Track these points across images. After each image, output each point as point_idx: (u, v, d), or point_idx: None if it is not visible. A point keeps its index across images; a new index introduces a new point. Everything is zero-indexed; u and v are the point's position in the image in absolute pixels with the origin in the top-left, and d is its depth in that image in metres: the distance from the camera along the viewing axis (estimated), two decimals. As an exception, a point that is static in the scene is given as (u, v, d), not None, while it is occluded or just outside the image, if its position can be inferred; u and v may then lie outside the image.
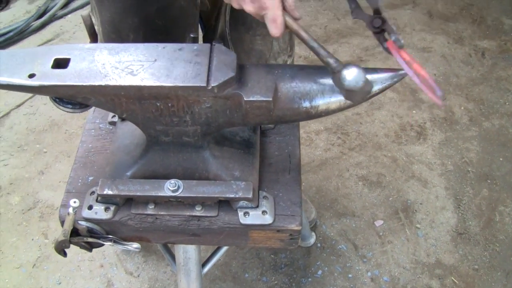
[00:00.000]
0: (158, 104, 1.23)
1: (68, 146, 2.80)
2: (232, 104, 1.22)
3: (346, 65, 1.15)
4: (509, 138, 2.81)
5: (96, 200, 1.37)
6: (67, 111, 1.29)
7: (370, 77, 1.23)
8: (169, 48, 1.25)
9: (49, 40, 3.48)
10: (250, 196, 1.31)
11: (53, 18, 3.64)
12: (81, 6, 3.74)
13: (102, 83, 1.18)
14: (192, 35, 1.43)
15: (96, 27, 1.68)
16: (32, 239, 2.41)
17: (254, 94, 1.19)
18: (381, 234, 2.43)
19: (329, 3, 3.60)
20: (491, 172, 2.67)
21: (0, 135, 2.87)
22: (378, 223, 2.46)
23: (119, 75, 1.19)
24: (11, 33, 3.43)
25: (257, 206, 1.36)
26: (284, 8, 1.14)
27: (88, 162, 1.50)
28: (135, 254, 2.35)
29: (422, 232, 2.43)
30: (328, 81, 1.23)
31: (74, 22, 3.61)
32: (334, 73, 1.17)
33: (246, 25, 1.71)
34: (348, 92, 1.18)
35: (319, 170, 2.64)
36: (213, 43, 1.26)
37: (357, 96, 1.19)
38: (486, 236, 2.43)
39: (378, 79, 1.24)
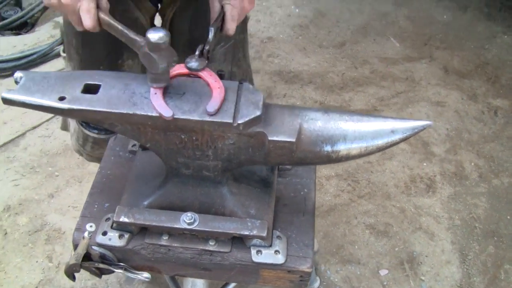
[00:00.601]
0: (183, 137, 1.25)
1: (80, 172, 2.82)
2: (255, 142, 1.24)
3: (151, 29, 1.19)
4: (518, 197, 2.81)
5: (111, 227, 1.38)
6: (93, 136, 1.32)
7: (391, 124, 1.26)
8: (198, 82, 1.28)
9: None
10: (264, 234, 1.32)
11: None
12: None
13: (130, 111, 1.20)
14: (219, 72, 1.46)
15: None
16: (37, 261, 2.41)
17: (278, 134, 1.22)
18: (385, 283, 2.41)
19: (348, 51, 3.67)
20: (498, 229, 2.66)
21: (14, 155, 2.90)
22: (383, 272, 2.45)
23: (147, 105, 1.21)
24: (35, 56, 3.50)
25: (270, 245, 1.36)
26: (99, 7, 1.26)
27: (106, 189, 1.52)
28: (138, 285, 2.34)
29: (426, 285, 2.42)
30: (351, 126, 1.25)
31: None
32: (140, 47, 1.20)
33: (179, 49, 1.76)
34: (154, 54, 1.17)
35: (327, 215, 2.64)
36: (241, 82, 1.29)
37: (162, 60, 1.18)
38: (491, 294, 2.42)
39: (400, 129, 1.26)
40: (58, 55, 3.61)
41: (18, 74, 1.29)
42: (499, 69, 3.55)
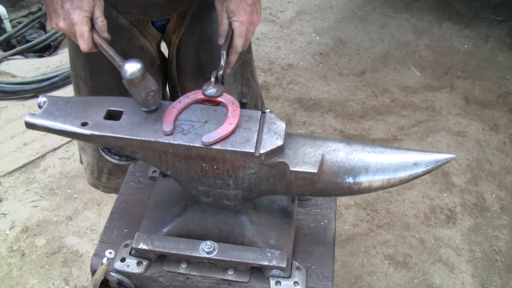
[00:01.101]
0: (204, 165, 1.25)
1: (99, 195, 2.83)
2: (277, 173, 1.24)
3: (129, 60, 1.20)
4: (541, 231, 2.76)
5: (130, 253, 1.37)
6: (114, 162, 1.32)
7: (414, 157, 1.25)
8: (220, 111, 1.28)
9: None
10: (284, 265, 1.30)
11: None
12: (125, 59, 3.87)
13: (152, 138, 1.21)
14: (242, 101, 1.47)
15: None
16: (53, 284, 2.41)
17: (300, 165, 1.21)
18: (404, 317, 2.37)
19: (368, 80, 3.66)
20: (520, 264, 2.61)
21: (33, 176, 2.93)
22: (402, 305, 2.41)
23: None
24: (57, 78, 3.55)
25: (289, 276, 1.34)
26: (95, 29, 1.30)
27: (125, 214, 1.52)
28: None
29: (447, 320, 2.37)
30: (373, 158, 1.24)
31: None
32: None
33: (187, 75, 1.80)
34: (132, 88, 1.22)
35: (345, 245, 2.61)
36: (264, 111, 1.29)
37: (140, 92, 1.22)
38: (512, 331, 2.36)
39: (423, 162, 1.25)
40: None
41: (41, 99, 1.31)
42: (521, 100, 3.52)
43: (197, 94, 1.31)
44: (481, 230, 2.73)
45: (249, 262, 1.31)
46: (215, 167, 1.25)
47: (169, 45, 1.81)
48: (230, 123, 1.22)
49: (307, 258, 1.42)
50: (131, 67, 1.17)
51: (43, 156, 3.06)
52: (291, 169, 1.21)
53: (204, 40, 1.72)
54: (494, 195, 2.90)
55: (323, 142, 1.27)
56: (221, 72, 1.34)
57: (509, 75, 3.70)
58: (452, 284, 2.49)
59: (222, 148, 1.19)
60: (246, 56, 1.85)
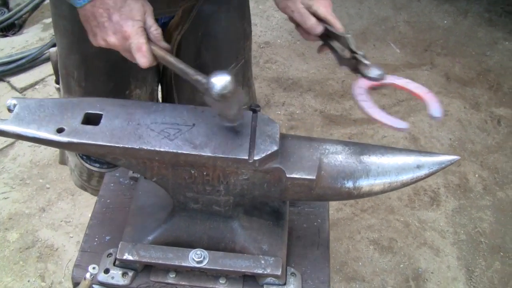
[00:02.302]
0: (193, 172, 1.16)
1: (73, 184, 2.70)
2: (271, 178, 1.15)
3: (215, 73, 1.04)
4: (523, 210, 2.75)
5: (114, 264, 1.28)
6: (94, 170, 1.22)
7: (417, 159, 1.18)
8: (208, 112, 1.19)
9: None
10: (279, 273, 1.23)
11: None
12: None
13: (136, 145, 1.11)
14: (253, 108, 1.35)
15: None
16: (28, 281, 2.31)
17: (297, 171, 1.13)
18: (390, 303, 2.34)
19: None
20: (504, 244, 2.60)
21: (2, 166, 2.79)
22: (388, 291, 2.38)
23: (154, 138, 1.12)
24: (23, 60, 3.38)
25: (284, 283, 1.28)
26: (150, 39, 1.14)
27: (106, 220, 1.42)
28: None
29: (433, 304, 2.35)
30: (374, 161, 1.17)
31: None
32: (206, 89, 1.06)
33: None
34: (221, 103, 1.05)
35: (330, 231, 2.56)
36: (252, 108, 1.20)
37: (232, 106, 1.07)
38: (498, 313, 2.35)
39: (426, 164, 1.18)
40: (48, 59, 3.49)
41: (11, 102, 1.19)
42: (501, 76, 3.48)
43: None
44: (465, 212, 2.71)
45: (242, 270, 1.24)
46: (204, 173, 1.16)
47: (168, 42, 1.68)
48: None
49: (302, 262, 1.35)
50: (221, 80, 1.01)
51: (12, 144, 2.92)
52: (287, 175, 1.13)
53: (209, 39, 1.60)
54: (477, 175, 2.88)
55: (319, 143, 1.19)
56: (361, 52, 1.24)
57: (489, 52, 3.66)
58: (438, 268, 2.47)
59: (213, 155, 1.10)
60: (248, 54, 1.76)
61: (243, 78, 1.74)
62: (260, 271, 1.23)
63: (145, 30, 1.14)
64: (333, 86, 3.35)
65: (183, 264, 1.24)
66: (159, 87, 1.80)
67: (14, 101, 1.19)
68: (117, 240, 1.33)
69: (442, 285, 2.41)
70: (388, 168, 1.17)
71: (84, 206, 2.63)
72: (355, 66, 1.27)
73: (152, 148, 1.10)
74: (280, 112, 3.16)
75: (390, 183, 1.17)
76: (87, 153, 1.18)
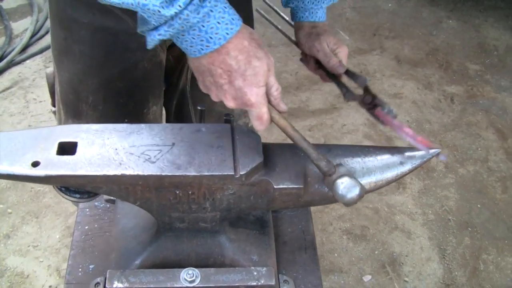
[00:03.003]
0: (177, 192, 1.13)
1: (35, 206, 2.63)
2: (258, 190, 1.14)
3: (339, 169, 1.05)
4: (485, 184, 2.84)
5: (103, 293, 1.24)
6: (73, 201, 1.18)
7: (400, 156, 1.19)
8: (186, 129, 1.16)
9: (8, 88, 3.30)
10: (273, 283, 1.22)
11: (11, 64, 3.46)
12: (40, 51, 3.58)
13: (118, 172, 1.07)
14: (199, 108, 1.34)
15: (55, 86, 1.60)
16: (2, 313, 2.23)
17: (284, 181, 1.12)
18: (370, 290, 2.38)
19: (298, 49, 3.59)
20: (471, 219, 2.68)
21: (-43, 195, 2.67)
22: (367, 278, 2.41)
23: (135, 162, 1.09)
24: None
25: (278, 292, 1.27)
26: (270, 102, 1.06)
27: (87, 247, 1.37)
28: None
29: (411, 286, 2.40)
30: (358, 162, 1.17)
31: (33, 69, 3.45)
32: (326, 176, 1.07)
33: None
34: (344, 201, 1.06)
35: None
36: (229, 119, 1.18)
37: (351, 203, 1.07)
38: (473, 286, 2.42)
39: (409, 159, 1.19)
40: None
41: (-23, 138, 1.13)
42: (449, 55, 3.57)
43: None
44: (430, 192, 2.77)
45: (236, 285, 1.22)
46: (190, 192, 1.13)
47: (182, 56, 1.60)
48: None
49: (292, 268, 1.35)
50: (352, 192, 1.02)
51: (-35, 170, 2.79)
52: (275, 186, 1.11)
53: None
54: (437, 154, 2.94)
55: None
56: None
57: (435, 31, 3.75)
58: (411, 250, 2.52)
59: (199, 174, 1.07)
60: None
61: None
62: (254, 283, 1.22)
63: (266, 94, 1.04)
64: (287, 78, 3.35)
65: (176, 285, 1.21)
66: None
67: (-20, 137, 1.13)
68: (101, 268, 1.30)
69: (418, 267, 2.47)
70: (373, 167, 1.17)
71: (50, 228, 2.55)
72: (367, 102, 1.36)
73: (135, 173, 1.07)
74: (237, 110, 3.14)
75: (375, 182, 1.18)
76: (66, 185, 1.13)
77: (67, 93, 1.55)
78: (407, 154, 1.20)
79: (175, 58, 1.65)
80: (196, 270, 1.23)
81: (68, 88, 1.54)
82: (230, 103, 1.02)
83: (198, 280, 1.22)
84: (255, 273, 1.23)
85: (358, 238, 2.55)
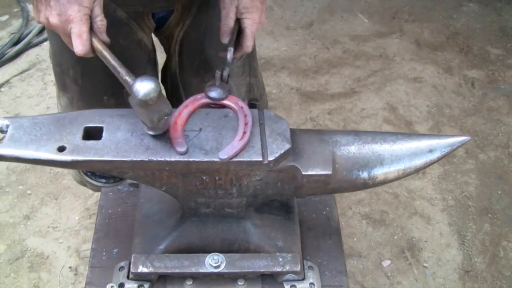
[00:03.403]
0: (204, 178, 1.12)
1: (55, 187, 2.64)
2: (285, 177, 1.13)
3: (141, 77, 1.01)
4: (505, 170, 2.80)
5: (127, 277, 1.24)
6: (99, 186, 1.17)
7: (428, 143, 1.17)
8: (213, 114, 1.15)
9: (25, 70, 3.30)
10: (298, 269, 1.22)
11: (28, 47, 3.46)
12: (58, 33, 3.56)
13: (145, 158, 1.06)
14: (252, 102, 1.31)
15: None
16: (23, 293, 2.25)
17: (312, 167, 1.11)
18: (389, 274, 2.37)
19: (317, 32, 3.55)
20: (491, 206, 2.65)
21: (-22, 176, 2.69)
22: (386, 263, 2.40)
23: (162, 148, 1.08)
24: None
25: (304, 278, 1.26)
26: (93, 30, 1.11)
27: (111, 231, 1.38)
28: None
29: (430, 271, 2.38)
30: (386, 148, 1.16)
31: (50, 51, 3.43)
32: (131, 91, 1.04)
33: (193, 70, 1.66)
34: (142, 109, 1.02)
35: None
36: (255, 103, 1.16)
37: (152, 115, 1.03)
38: (493, 273, 2.40)
39: (438, 147, 1.17)
40: (10, 59, 3.36)
41: (3, 122, 1.13)
42: (470, 39, 3.51)
43: (198, 100, 1.16)
44: (450, 178, 2.74)
45: (261, 270, 1.22)
46: (216, 178, 1.12)
47: (170, 39, 1.62)
48: (245, 133, 1.09)
49: (316, 254, 1.34)
50: (145, 86, 0.97)
51: (-15, 152, 2.81)
52: (303, 173, 1.10)
53: (212, 33, 1.54)
54: (457, 140, 2.91)
55: (330, 136, 1.17)
56: (227, 71, 1.20)
57: (455, 14, 3.69)
58: (431, 236, 2.51)
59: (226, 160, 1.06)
60: (254, 45, 1.71)
61: (249, 69, 1.69)
62: (279, 269, 1.22)
63: (90, 19, 1.11)
64: (306, 62, 3.32)
65: (201, 270, 1.21)
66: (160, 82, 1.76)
67: (6, 121, 1.13)
68: (125, 252, 1.30)
69: (437, 253, 2.45)
70: (401, 155, 1.16)
71: (69, 209, 2.56)
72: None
73: (162, 159, 1.06)
74: (257, 94, 3.12)
75: (404, 169, 1.16)
76: (92, 170, 1.13)
77: (54, 65, 1.62)
78: (436, 141, 1.17)
79: (166, 38, 1.66)
80: (221, 255, 1.22)
81: (54, 60, 1.61)
82: (54, 19, 1.09)
83: (223, 266, 1.21)
84: (280, 259, 1.23)
85: (378, 223, 2.54)
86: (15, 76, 3.25)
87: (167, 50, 1.72)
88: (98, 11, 1.12)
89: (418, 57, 3.37)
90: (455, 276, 2.38)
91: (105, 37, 1.13)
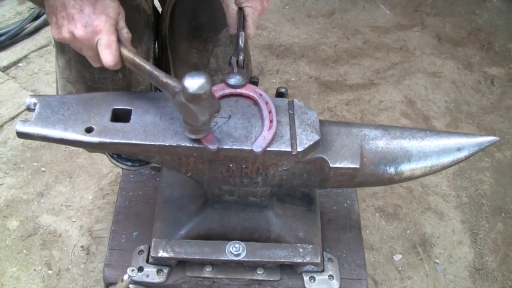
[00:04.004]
0: (231, 165, 1.12)
1: (69, 166, 2.64)
2: (312, 168, 1.12)
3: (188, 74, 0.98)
4: (521, 170, 2.78)
5: (147, 261, 1.25)
6: (125, 168, 1.17)
7: (457, 141, 1.16)
8: (242, 102, 1.14)
9: (44, 46, 3.28)
10: (319, 261, 1.22)
11: (47, 22, 3.44)
12: (76, 11, 3.54)
13: (173, 143, 1.06)
14: (253, 80, 1.30)
15: None
16: (35, 270, 2.26)
17: (340, 160, 1.10)
18: (400, 269, 2.36)
19: (338, 21, 3.52)
20: (505, 205, 2.63)
21: (-7, 151, 2.69)
22: (397, 257, 2.39)
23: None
24: (3, 37, 3.22)
25: (323, 270, 1.26)
26: (120, 40, 1.09)
27: (131, 214, 1.38)
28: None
29: (441, 268, 2.38)
30: (414, 145, 1.14)
31: (69, 28, 3.42)
32: (176, 92, 1.01)
33: (182, 35, 1.63)
34: (193, 106, 0.98)
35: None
36: (283, 92, 1.15)
37: (203, 112, 0.99)
38: (503, 273, 2.39)
39: (466, 146, 1.16)
40: (28, 34, 3.35)
41: (30, 100, 1.12)
42: (492, 35, 3.47)
43: (216, 92, 1.15)
44: (465, 175, 2.72)
45: (282, 260, 1.22)
46: (243, 166, 1.12)
47: (163, 3, 1.62)
48: (271, 121, 1.08)
49: (336, 246, 1.34)
50: (197, 81, 0.94)
51: (1, 127, 2.81)
52: (331, 165, 1.09)
53: (204, 1, 1.54)
54: (474, 137, 2.89)
55: (358, 129, 1.16)
56: (241, 57, 1.19)
57: (478, 10, 3.64)
58: (443, 232, 2.49)
59: (255, 149, 1.06)
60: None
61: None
62: (299, 260, 1.22)
63: (117, 30, 1.08)
64: (326, 51, 3.29)
65: (221, 258, 1.21)
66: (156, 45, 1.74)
67: (34, 99, 1.12)
68: (145, 236, 1.30)
69: (448, 249, 2.44)
70: (429, 152, 1.15)
71: (83, 188, 2.56)
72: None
73: (191, 145, 1.06)
74: (275, 80, 3.10)
75: (431, 166, 1.15)
76: (119, 152, 1.12)
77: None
78: (465, 140, 1.16)
79: (161, 1, 1.65)
80: (242, 243, 1.22)
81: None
82: (79, 31, 1.05)
83: (243, 254, 1.21)
84: (301, 250, 1.23)
85: (391, 217, 2.53)
86: (33, 51, 3.24)
87: (161, 12, 1.70)
88: (122, 24, 1.10)
89: (439, 52, 3.34)
90: (466, 273, 2.37)
91: (132, 48, 1.11)
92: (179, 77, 1.71)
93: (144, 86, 1.63)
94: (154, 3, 1.65)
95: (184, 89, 0.95)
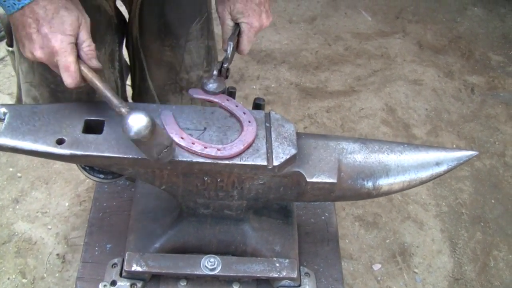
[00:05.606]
0: (206, 179, 1.09)
1: (46, 171, 2.60)
2: (289, 182, 1.10)
3: (133, 111, 0.93)
4: (500, 179, 2.79)
5: (120, 275, 1.22)
6: (97, 181, 1.14)
7: (436, 156, 1.14)
8: (218, 114, 1.12)
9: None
10: (295, 275, 1.20)
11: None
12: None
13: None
14: (230, 90, 1.28)
15: None
16: (8, 278, 2.21)
17: (318, 174, 1.08)
18: (379, 279, 2.35)
19: (319, 27, 3.51)
20: (484, 214, 2.64)
21: (-33, 156, 2.64)
22: (376, 267, 2.39)
23: (164, 145, 1.04)
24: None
25: (299, 285, 1.24)
26: (80, 57, 1.05)
27: (105, 226, 1.35)
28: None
29: (420, 277, 2.37)
30: (393, 159, 1.13)
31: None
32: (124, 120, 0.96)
33: (152, 34, 1.60)
34: (141, 148, 0.97)
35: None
36: (260, 103, 1.14)
37: (151, 149, 0.97)
38: (482, 282, 2.40)
39: (445, 160, 1.15)
40: (3, 37, 3.29)
41: (0, 109, 1.09)
42: (472, 43, 3.49)
43: (195, 94, 1.13)
44: (445, 184, 2.73)
45: (258, 275, 1.20)
46: (218, 180, 1.10)
47: (130, 3, 1.59)
48: (251, 132, 1.05)
49: (313, 260, 1.32)
50: (136, 123, 0.89)
51: (-24, 131, 2.76)
52: (308, 180, 1.07)
53: None
54: (454, 146, 2.89)
55: (336, 143, 1.14)
56: (226, 65, 1.16)
57: (459, 18, 3.66)
58: (423, 241, 2.49)
59: (231, 162, 1.03)
60: (210, 6, 1.67)
61: (207, 32, 1.64)
62: (275, 275, 1.20)
63: (76, 46, 1.04)
64: (307, 57, 3.28)
65: (196, 272, 1.19)
66: (124, 48, 1.70)
67: (3, 109, 1.09)
68: (119, 248, 1.27)
69: (428, 259, 2.44)
70: (408, 166, 1.13)
71: (59, 195, 2.52)
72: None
73: (164, 158, 1.03)
74: (256, 86, 3.08)
75: (409, 181, 1.14)
76: (91, 165, 1.09)
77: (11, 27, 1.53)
78: (443, 154, 1.15)
79: (128, 1, 1.60)
80: (218, 257, 1.20)
81: (5, 23, 1.53)
82: (38, 53, 1.02)
83: (219, 268, 1.19)
84: (277, 265, 1.21)
85: (370, 226, 2.52)
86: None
87: (129, 14, 1.67)
88: (84, 36, 1.05)
89: (420, 59, 3.35)
90: (445, 283, 2.37)
91: (95, 63, 1.06)
92: (155, 82, 1.67)
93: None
94: (119, 6, 1.62)
95: (124, 130, 0.91)
